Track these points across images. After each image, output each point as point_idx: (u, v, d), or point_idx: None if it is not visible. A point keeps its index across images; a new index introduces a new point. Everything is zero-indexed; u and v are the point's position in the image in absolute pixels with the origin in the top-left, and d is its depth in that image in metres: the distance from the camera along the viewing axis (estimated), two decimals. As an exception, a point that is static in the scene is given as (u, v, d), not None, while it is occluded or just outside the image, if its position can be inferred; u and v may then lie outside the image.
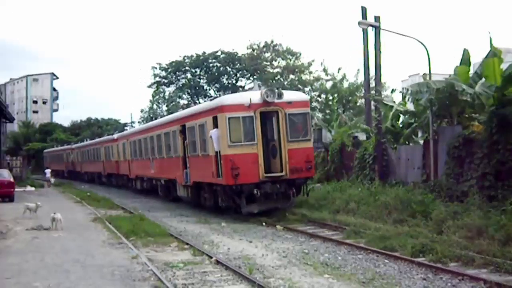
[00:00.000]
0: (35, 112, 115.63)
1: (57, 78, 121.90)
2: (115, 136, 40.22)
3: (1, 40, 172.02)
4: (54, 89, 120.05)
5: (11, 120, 66.95)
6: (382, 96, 24.58)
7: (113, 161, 39.04)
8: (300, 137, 19.04)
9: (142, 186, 32.38)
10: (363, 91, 28.09)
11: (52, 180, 43.60)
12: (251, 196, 18.45)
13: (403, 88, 18.67)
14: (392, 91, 20.33)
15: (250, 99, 18.51)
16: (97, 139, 48.18)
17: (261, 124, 18.56)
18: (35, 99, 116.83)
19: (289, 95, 19.48)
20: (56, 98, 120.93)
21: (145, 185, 31.82)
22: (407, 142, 22.98)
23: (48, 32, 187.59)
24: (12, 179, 27.47)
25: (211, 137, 19.07)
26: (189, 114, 23.35)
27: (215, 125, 18.99)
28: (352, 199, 18.96)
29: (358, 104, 37.00)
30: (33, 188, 37.78)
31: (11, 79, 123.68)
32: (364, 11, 23.09)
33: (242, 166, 18.01)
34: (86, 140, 54.03)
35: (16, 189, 28.20)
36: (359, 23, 21.55)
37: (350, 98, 37.11)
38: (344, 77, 38.16)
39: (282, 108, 18.75)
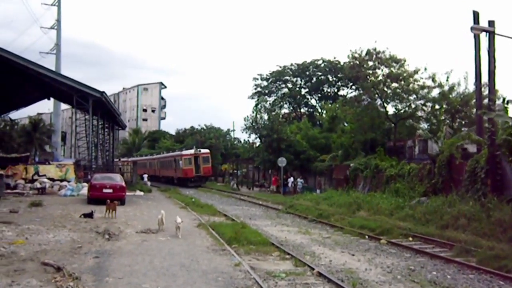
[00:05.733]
0: (145, 120, 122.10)
1: (165, 87, 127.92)
2: (154, 156, 75.76)
3: (111, 51, 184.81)
4: (162, 98, 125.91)
5: (124, 127, 71.19)
6: (496, 104, 22.98)
7: (156, 168, 73.24)
8: (206, 163, 60.76)
9: (169, 180, 66.93)
10: (475, 100, 26.43)
11: (149, 183, 55.05)
12: (191, 181, 59.79)
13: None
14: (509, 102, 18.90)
15: (190, 152, 60.49)
16: (149, 157, 79.30)
17: (194, 160, 60.06)
18: (144, 108, 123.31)
19: (202, 150, 61.15)
20: (164, 106, 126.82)
21: (164, 180, 69.33)
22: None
23: (155, 43, 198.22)
24: (123, 184, 28.58)
25: (179, 163, 61.16)
26: (176, 154, 64.10)
27: (181, 160, 60.65)
28: (462, 214, 17.88)
29: (472, 115, 34.51)
30: (142, 193, 39.59)
31: (123, 88, 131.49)
32: (476, 15, 21.90)
33: (188, 172, 59.79)
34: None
35: (127, 193, 29.46)
36: (472, 28, 20.26)
37: (459, 107, 34.94)
38: (453, 86, 35.87)
39: (200, 155, 60.26)
